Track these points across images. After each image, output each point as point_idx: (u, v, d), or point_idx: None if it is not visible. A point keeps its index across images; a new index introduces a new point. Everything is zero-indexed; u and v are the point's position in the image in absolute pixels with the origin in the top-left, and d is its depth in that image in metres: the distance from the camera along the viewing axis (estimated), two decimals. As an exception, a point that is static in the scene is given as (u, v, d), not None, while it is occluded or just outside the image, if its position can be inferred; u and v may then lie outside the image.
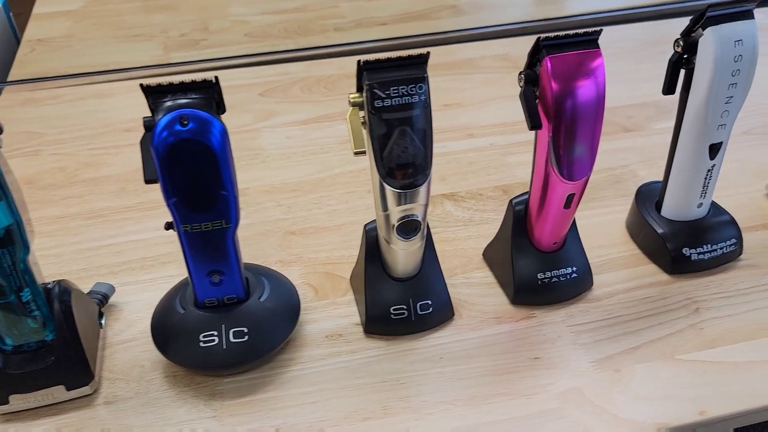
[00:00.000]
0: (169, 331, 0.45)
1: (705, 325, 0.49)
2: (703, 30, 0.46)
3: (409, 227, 0.44)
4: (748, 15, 0.46)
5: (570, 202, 0.46)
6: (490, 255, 0.55)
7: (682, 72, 0.49)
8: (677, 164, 0.52)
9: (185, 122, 0.39)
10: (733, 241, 0.54)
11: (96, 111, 0.80)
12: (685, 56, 0.48)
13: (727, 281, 0.53)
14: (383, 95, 0.40)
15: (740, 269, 0.54)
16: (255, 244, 0.58)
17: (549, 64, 0.42)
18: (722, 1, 0.45)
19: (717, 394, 0.44)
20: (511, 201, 0.51)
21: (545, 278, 0.50)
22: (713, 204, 0.55)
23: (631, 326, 0.49)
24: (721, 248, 0.53)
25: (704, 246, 0.53)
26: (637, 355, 0.47)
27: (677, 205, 0.54)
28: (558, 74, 0.42)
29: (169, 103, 0.39)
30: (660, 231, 0.53)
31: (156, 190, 0.40)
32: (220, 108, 0.40)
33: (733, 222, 0.54)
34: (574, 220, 0.51)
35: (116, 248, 0.58)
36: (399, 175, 0.42)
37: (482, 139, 0.73)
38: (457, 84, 0.84)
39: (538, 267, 0.50)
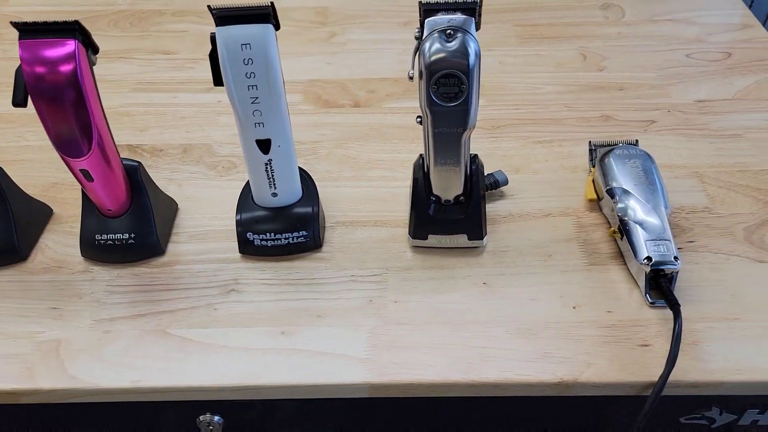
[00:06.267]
0: None
1: (221, 306, 0.52)
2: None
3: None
4: (262, 19, 0.46)
5: (90, 176, 0.50)
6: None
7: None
8: (243, 153, 0.54)
9: None
10: (304, 233, 0.55)
11: None
12: (222, 51, 0.49)
13: (282, 269, 0.55)
14: None
15: (310, 260, 0.56)
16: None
17: (20, 49, 0.45)
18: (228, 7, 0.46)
19: (158, 369, 0.48)
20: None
21: (101, 240, 0.55)
22: (313, 196, 0.57)
23: (164, 295, 0.53)
24: (287, 239, 0.55)
25: (269, 234, 0.55)
26: (139, 321, 0.51)
27: (255, 191, 0.56)
28: (27, 59, 0.45)
29: None
30: (236, 215, 0.56)
31: None
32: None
33: (310, 216, 0.56)
34: (144, 189, 0.55)
35: None
36: None
37: (213, 95, 0.75)
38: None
39: (97, 229, 0.55)
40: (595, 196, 0.59)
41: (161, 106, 0.74)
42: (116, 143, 0.69)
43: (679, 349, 0.46)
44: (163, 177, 0.64)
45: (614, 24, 0.84)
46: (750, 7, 0.87)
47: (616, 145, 0.60)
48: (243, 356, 0.49)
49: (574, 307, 0.51)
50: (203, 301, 0.53)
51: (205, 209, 0.61)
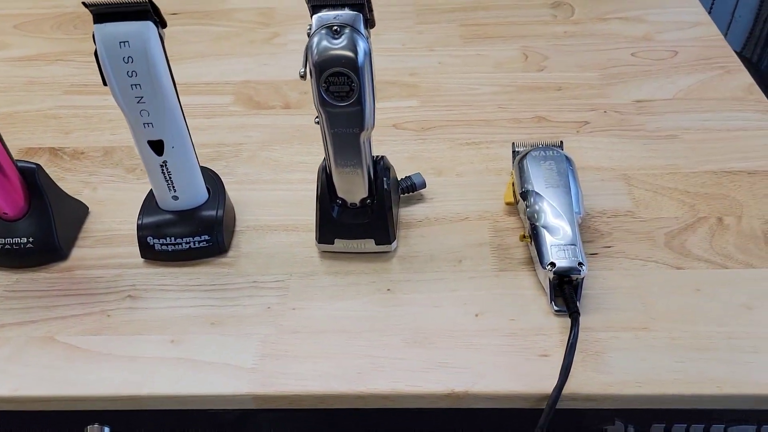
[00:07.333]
0: None
1: (115, 313, 0.51)
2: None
3: None
4: (141, 16, 0.45)
5: (-26, 179, 0.49)
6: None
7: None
8: (139, 155, 0.52)
9: None
10: (206, 238, 0.54)
11: None
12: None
13: (183, 275, 0.53)
14: None
15: (213, 266, 0.54)
16: None
17: None
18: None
19: (40, 377, 0.46)
20: None
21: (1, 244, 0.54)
22: (219, 199, 0.55)
23: (59, 301, 0.52)
24: (188, 243, 0.54)
25: (168, 238, 0.54)
26: (28, 328, 0.50)
27: (156, 195, 0.54)
28: None
29: None
30: (138, 219, 0.54)
31: None
32: None
33: (214, 220, 0.54)
34: (43, 193, 0.53)
35: None
36: None
37: (147, 97, 0.74)
38: (188, 36, 0.84)
39: (-5, 233, 0.54)
40: (512, 200, 0.56)
41: (90, 109, 0.72)
42: (39, 146, 0.70)
43: (573, 359, 0.44)
44: (79, 180, 0.63)
45: (562, 23, 0.82)
46: (710, 12, 0.84)
47: (537, 146, 0.58)
48: (128, 365, 0.47)
49: (476, 315, 0.49)
50: (98, 307, 0.51)
51: (116, 213, 0.59)
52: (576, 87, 0.71)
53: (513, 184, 0.57)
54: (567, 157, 0.55)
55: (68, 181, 0.63)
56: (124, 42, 0.45)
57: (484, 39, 0.80)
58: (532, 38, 0.79)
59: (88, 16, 0.45)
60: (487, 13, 0.85)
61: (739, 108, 0.67)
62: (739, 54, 0.75)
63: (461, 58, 0.77)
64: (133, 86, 0.47)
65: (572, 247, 0.49)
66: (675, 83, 0.71)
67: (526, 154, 0.56)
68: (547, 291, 0.49)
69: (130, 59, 0.45)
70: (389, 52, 0.79)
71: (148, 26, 0.45)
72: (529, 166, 0.54)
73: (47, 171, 0.55)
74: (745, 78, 0.70)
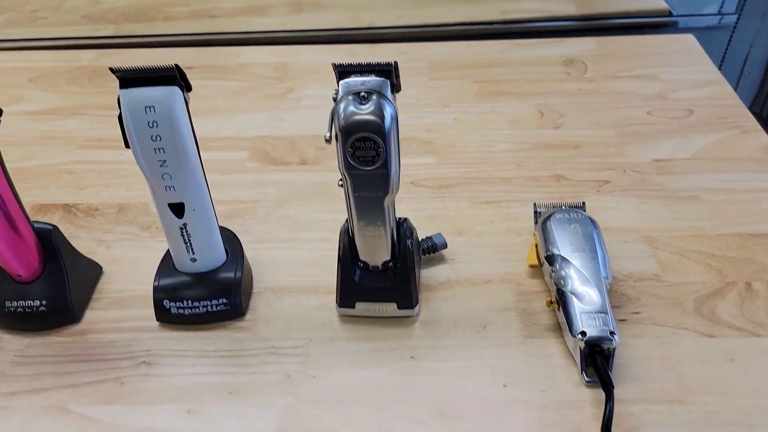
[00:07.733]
0: None
1: (129, 381, 0.49)
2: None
3: None
4: (167, 81, 0.44)
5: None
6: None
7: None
8: (158, 216, 0.51)
9: None
10: (224, 301, 0.52)
11: None
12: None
13: (199, 340, 0.52)
14: None
15: (230, 330, 0.52)
16: None
17: None
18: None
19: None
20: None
21: (12, 307, 0.52)
22: (238, 261, 0.54)
23: (71, 367, 0.50)
24: (205, 306, 0.52)
25: (185, 301, 0.52)
26: (39, 397, 0.48)
27: (174, 256, 0.53)
28: None
29: None
30: (155, 280, 0.53)
31: None
32: None
33: (232, 283, 0.53)
34: (58, 254, 0.52)
35: None
36: None
37: (162, 152, 0.74)
38: (203, 91, 0.84)
39: (7, 295, 0.52)
40: (536, 262, 0.55)
41: (105, 164, 0.72)
42: (53, 202, 0.69)
43: (609, 437, 0.42)
44: (93, 238, 0.62)
45: (576, 80, 0.82)
46: (720, 68, 0.85)
47: (559, 207, 0.57)
48: (142, 438, 0.46)
49: (504, 386, 0.47)
50: (111, 374, 0.50)
51: (130, 273, 0.58)
52: (593, 145, 0.71)
53: (536, 246, 0.56)
54: (591, 220, 0.55)
55: (82, 239, 0.62)
56: (149, 107, 0.45)
57: (498, 95, 0.80)
58: (547, 95, 0.80)
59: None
60: (500, 69, 0.86)
61: (758, 169, 0.66)
62: (749, 109, 0.75)
63: (476, 115, 0.77)
64: (157, 150, 0.46)
65: (602, 315, 0.47)
66: (693, 143, 0.71)
67: (550, 215, 0.55)
68: (577, 360, 0.48)
69: (155, 124, 0.45)
70: (404, 108, 0.78)
71: (174, 91, 0.45)
72: (554, 228, 0.54)
73: (61, 228, 0.55)
74: (763, 138, 0.70)
